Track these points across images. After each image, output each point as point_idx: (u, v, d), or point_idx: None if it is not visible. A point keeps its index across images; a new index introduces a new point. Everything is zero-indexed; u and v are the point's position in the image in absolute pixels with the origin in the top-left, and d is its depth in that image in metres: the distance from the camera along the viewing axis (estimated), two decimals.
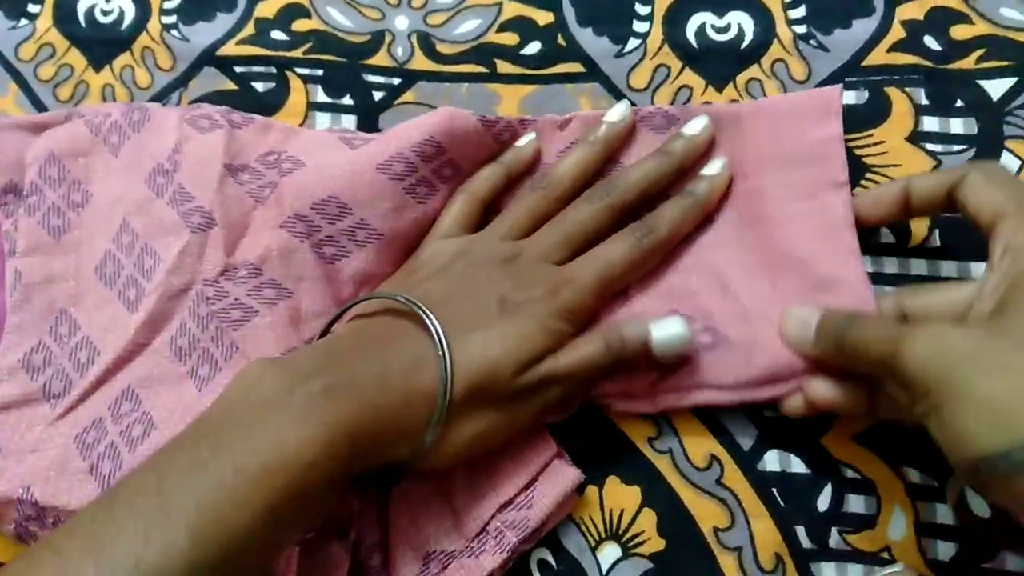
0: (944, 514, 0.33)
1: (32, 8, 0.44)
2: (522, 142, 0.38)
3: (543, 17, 0.42)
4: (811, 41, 0.39)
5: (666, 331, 0.32)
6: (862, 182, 0.37)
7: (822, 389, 0.31)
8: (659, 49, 0.40)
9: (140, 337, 0.36)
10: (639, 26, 0.41)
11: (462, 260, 0.34)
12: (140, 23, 0.43)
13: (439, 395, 0.29)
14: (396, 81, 0.41)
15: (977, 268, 0.35)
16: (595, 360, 0.32)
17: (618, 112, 0.37)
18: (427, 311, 0.31)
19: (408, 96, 0.41)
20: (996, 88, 0.37)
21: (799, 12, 0.40)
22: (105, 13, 0.44)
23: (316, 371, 0.28)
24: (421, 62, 0.41)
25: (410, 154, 0.35)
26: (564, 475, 0.33)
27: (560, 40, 0.41)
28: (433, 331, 0.30)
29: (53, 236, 0.38)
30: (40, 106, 0.42)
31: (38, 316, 0.36)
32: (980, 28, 0.38)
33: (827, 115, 0.35)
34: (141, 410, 0.34)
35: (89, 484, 0.33)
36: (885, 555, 0.32)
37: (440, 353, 0.30)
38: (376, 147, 0.36)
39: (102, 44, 0.43)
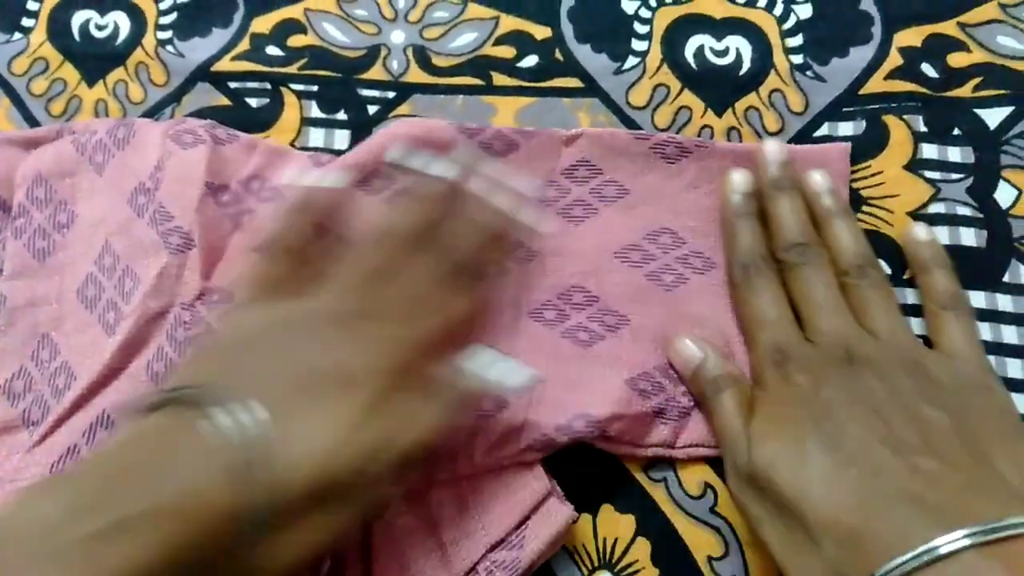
0: None
1: (26, 22, 0.43)
2: (327, 181, 0.33)
3: (541, 32, 0.41)
4: (808, 72, 0.39)
5: (509, 377, 0.29)
6: (860, 215, 0.37)
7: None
8: (658, 68, 0.40)
9: (116, 361, 0.35)
10: (638, 44, 0.41)
11: (276, 327, 0.28)
12: (135, 38, 0.42)
13: (253, 509, 0.23)
14: (391, 95, 0.40)
15: (976, 297, 0.35)
16: (442, 426, 0.28)
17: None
18: (228, 403, 0.24)
19: (403, 109, 0.40)
20: (993, 117, 0.37)
21: (796, 40, 0.40)
22: (100, 28, 0.43)
23: (87, 508, 0.22)
24: (416, 75, 0.41)
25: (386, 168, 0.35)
26: (557, 514, 0.32)
27: (558, 55, 0.41)
28: (232, 430, 0.23)
29: (38, 259, 0.37)
30: (32, 121, 0.41)
31: (21, 341, 0.36)
32: (977, 56, 0.39)
33: (835, 178, 0.36)
34: None
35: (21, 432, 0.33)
36: None
37: (246, 457, 0.23)
38: (352, 159, 0.36)
39: (96, 59, 0.42)
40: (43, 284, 0.37)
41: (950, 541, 0.24)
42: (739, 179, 0.35)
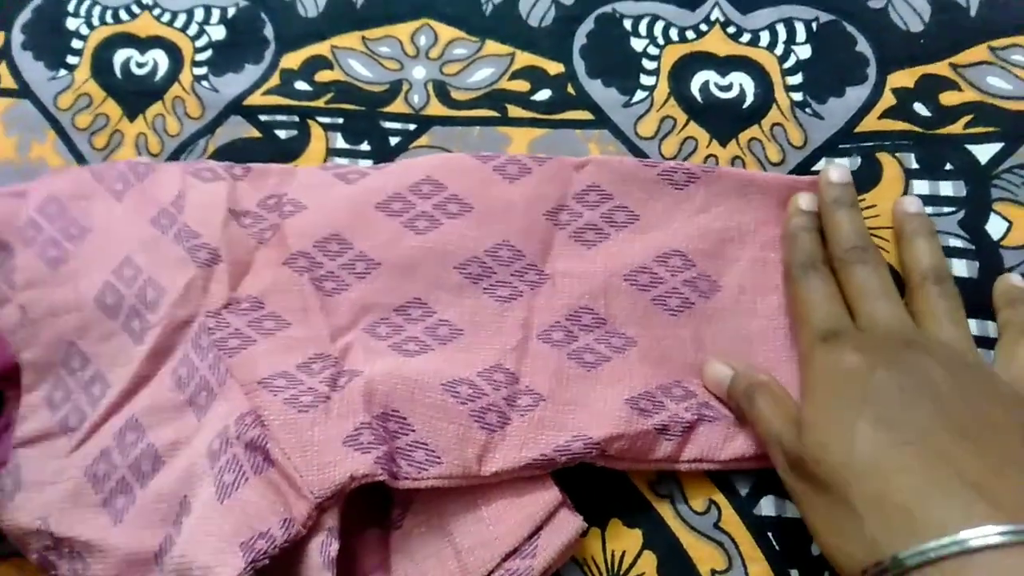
0: None
1: (71, 59, 0.46)
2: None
3: (554, 67, 0.44)
4: (807, 109, 0.41)
5: None
6: None
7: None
8: (665, 102, 0.42)
9: (145, 369, 0.36)
10: (646, 79, 0.43)
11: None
12: (172, 75, 0.45)
13: None
14: (412, 127, 0.43)
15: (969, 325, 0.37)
16: None
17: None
18: None
19: (423, 140, 0.42)
20: (983, 152, 0.39)
21: (796, 79, 0.42)
22: (140, 65, 0.45)
23: None
24: (436, 108, 0.43)
25: (407, 193, 0.38)
26: (569, 524, 0.33)
27: (570, 89, 0.43)
28: None
29: (50, 267, 0.38)
30: (76, 153, 0.43)
31: (49, 351, 0.37)
32: (968, 95, 0.40)
33: None
34: (146, 441, 0.35)
35: (102, 517, 0.34)
36: None
37: None
38: (374, 184, 0.38)
39: (136, 95, 0.44)
40: (59, 292, 0.38)
41: (1006, 532, 0.24)
42: (805, 199, 0.37)
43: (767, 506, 0.35)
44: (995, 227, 0.38)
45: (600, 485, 0.36)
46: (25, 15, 0.47)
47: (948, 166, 0.39)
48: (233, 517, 0.31)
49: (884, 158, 0.40)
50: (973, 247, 0.38)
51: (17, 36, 0.47)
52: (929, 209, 0.39)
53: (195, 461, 0.33)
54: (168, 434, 0.35)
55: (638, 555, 0.35)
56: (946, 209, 0.39)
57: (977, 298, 0.37)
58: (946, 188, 0.39)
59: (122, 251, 0.38)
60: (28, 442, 0.36)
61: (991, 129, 0.40)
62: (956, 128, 0.40)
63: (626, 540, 0.35)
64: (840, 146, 0.40)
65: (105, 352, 0.37)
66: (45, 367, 0.37)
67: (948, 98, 0.41)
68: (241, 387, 0.35)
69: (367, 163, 0.42)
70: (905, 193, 0.39)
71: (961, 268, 0.38)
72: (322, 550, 0.31)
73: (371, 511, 0.34)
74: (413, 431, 0.33)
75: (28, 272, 0.38)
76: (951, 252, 0.38)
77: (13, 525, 0.34)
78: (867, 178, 0.39)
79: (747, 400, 0.34)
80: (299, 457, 0.32)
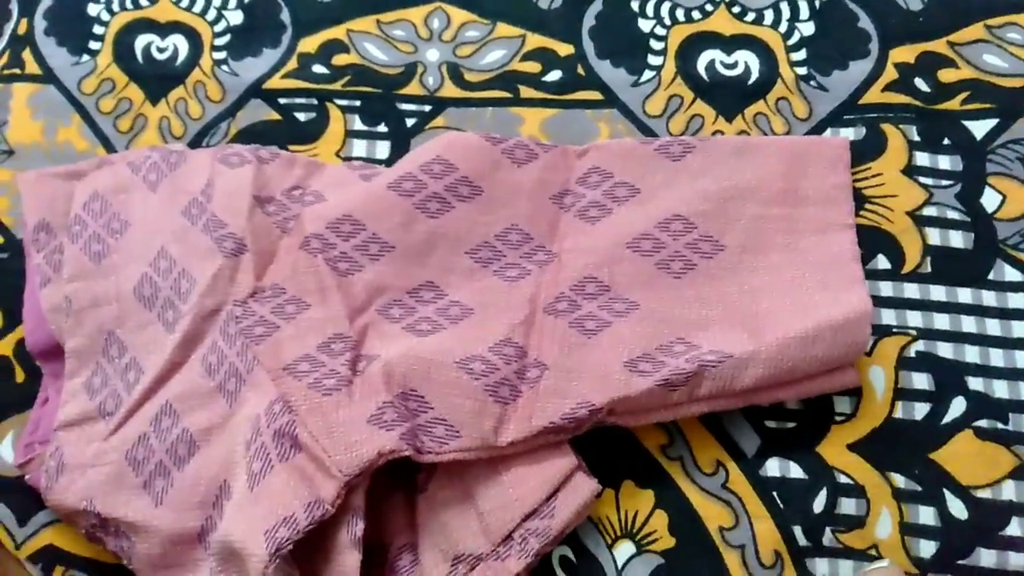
0: (926, 515, 0.36)
1: (93, 45, 0.47)
2: None
3: (564, 49, 0.45)
4: (811, 82, 0.43)
5: None
6: (862, 212, 0.40)
7: None
8: (672, 80, 0.44)
9: (176, 356, 0.38)
10: (653, 59, 0.44)
11: None
12: (193, 59, 0.46)
13: None
14: (427, 108, 0.44)
15: (964, 293, 0.39)
16: None
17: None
18: None
19: (438, 121, 0.44)
20: (979, 128, 0.41)
21: (800, 55, 0.43)
22: (161, 50, 0.46)
23: None
24: (450, 90, 0.44)
25: (418, 172, 0.39)
26: (584, 487, 0.35)
27: (580, 70, 0.44)
28: None
29: (94, 261, 0.40)
30: (101, 135, 0.45)
31: (91, 340, 0.39)
32: (965, 72, 0.42)
33: (837, 164, 0.39)
34: (180, 426, 0.36)
35: (144, 498, 0.35)
36: (873, 552, 0.36)
37: None
38: (389, 172, 0.40)
39: (158, 79, 0.46)
40: (101, 285, 0.40)
41: None
42: None
43: (772, 467, 0.37)
44: (990, 200, 0.40)
45: (613, 449, 0.38)
46: (46, 2, 0.48)
47: (946, 141, 0.41)
48: (261, 504, 0.33)
49: (888, 129, 0.41)
50: (969, 219, 0.40)
51: (40, 23, 0.48)
52: (930, 181, 0.40)
53: (234, 448, 0.35)
54: (201, 419, 0.36)
55: (650, 514, 0.37)
56: (944, 182, 0.40)
57: (972, 268, 0.39)
58: (944, 162, 0.40)
59: (157, 243, 0.40)
60: (68, 425, 0.37)
61: (987, 105, 0.41)
62: (953, 104, 0.41)
63: (639, 500, 0.37)
64: (845, 116, 0.42)
65: (141, 341, 0.39)
66: (87, 355, 0.39)
67: (946, 75, 0.42)
68: (268, 373, 0.36)
69: (384, 144, 0.43)
70: (910, 162, 0.41)
71: (957, 239, 0.39)
72: (349, 529, 0.33)
73: (398, 476, 0.36)
74: (432, 408, 0.35)
75: (74, 265, 0.40)
76: (948, 224, 0.39)
77: (61, 504, 0.36)
78: (872, 147, 0.41)
79: None
80: (326, 439, 0.34)
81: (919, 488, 0.36)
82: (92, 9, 0.48)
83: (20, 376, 0.41)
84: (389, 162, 0.43)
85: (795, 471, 0.37)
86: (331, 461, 0.33)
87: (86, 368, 0.39)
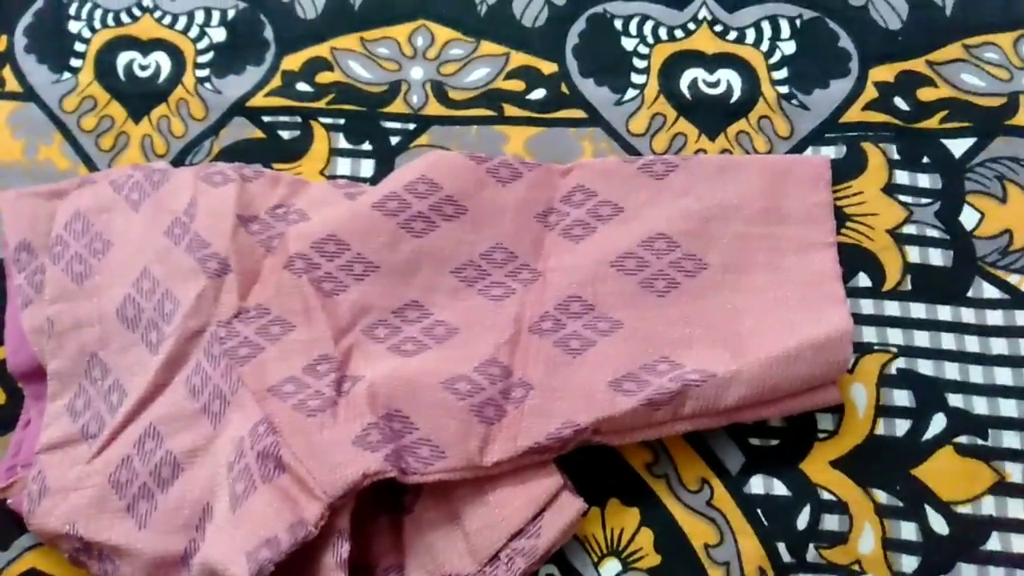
0: (908, 531, 0.37)
1: (75, 62, 0.46)
2: None
3: (548, 67, 0.45)
4: (793, 101, 0.43)
5: None
6: (843, 230, 0.40)
7: None
8: (655, 99, 0.44)
9: (160, 378, 0.37)
10: (637, 78, 0.44)
11: None
12: (176, 77, 0.46)
13: None
14: (411, 126, 0.44)
15: (943, 310, 0.39)
16: None
17: None
18: None
19: (423, 139, 0.44)
20: (958, 147, 0.41)
21: (782, 73, 0.44)
22: (143, 67, 0.46)
23: None
24: (435, 108, 0.44)
25: (403, 192, 0.39)
26: (570, 506, 0.35)
27: (564, 88, 0.44)
28: None
29: (76, 282, 0.39)
30: (83, 154, 0.44)
31: (72, 361, 0.38)
32: (943, 91, 0.42)
33: (819, 183, 0.40)
34: (164, 448, 0.36)
35: (128, 521, 0.35)
36: (856, 567, 0.36)
37: None
38: (373, 191, 0.39)
39: (140, 97, 0.45)
40: (84, 306, 0.39)
41: None
42: None
43: (756, 484, 0.37)
44: (968, 218, 0.40)
45: (599, 467, 0.38)
46: (26, 19, 0.48)
47: (925, 159, 0.41)
48: (243, 526, 0.33)
49: (868, 147, 0.42)
50: (948, 237, 0.40)
51: (20, 40, 0.47)
52: (910, 199, 0.41)
53: (217, 471, 0.35)
54: (185, 441, 0.36)
55: (636, 532, 0.37)
56: (923, 200, 0.41)
57: (952, 286, 0.39)
58: (923, 180, 0.41)
59: (140, 263, 0.40)
60: (51, 448, 0.37)
61: (965, 124, 0.42)
62: (932, 123, 0.42)
63: (624, 518, 0.37)
64: (826, 135, 0.42)
65: (124, 363, 0.38)
66: (69, 377, 0.38)
67: (925, 94, 0.42)
68: (253, 395, 0.36)
69: (369, 163, 0.43)
70: (890, 181, 0.41)
71: (937, 257, 0.40)
72: (334, 551, 0.33)
73: (383, 497, 0.36)
74: (417, 429, 0.35)
75: (56, 287, 0.39)
76: (928, 242, 0.40)
77: (43, 528, 0.36)
78: (853, 166, 0.41)
79: None
80: (311, 460, 0.34)
81: (901, 504, 0.37)
82: (73, 26, 0.47)
83: (1, 398, 0.40)
84: (374, 180, 0.43)
85: (779, 488, 0.37)
86: (315, 482, 0.33)
87: (69, 390, 0.38)
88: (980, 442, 0.37)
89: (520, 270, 0.40)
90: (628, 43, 0.45)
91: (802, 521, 0.37)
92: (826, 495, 0.37)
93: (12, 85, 0.46)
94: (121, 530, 0.35)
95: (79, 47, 0.47)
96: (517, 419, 0.36)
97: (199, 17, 0.47)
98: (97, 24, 0.48)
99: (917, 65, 0.43)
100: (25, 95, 0.46)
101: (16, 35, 0.47)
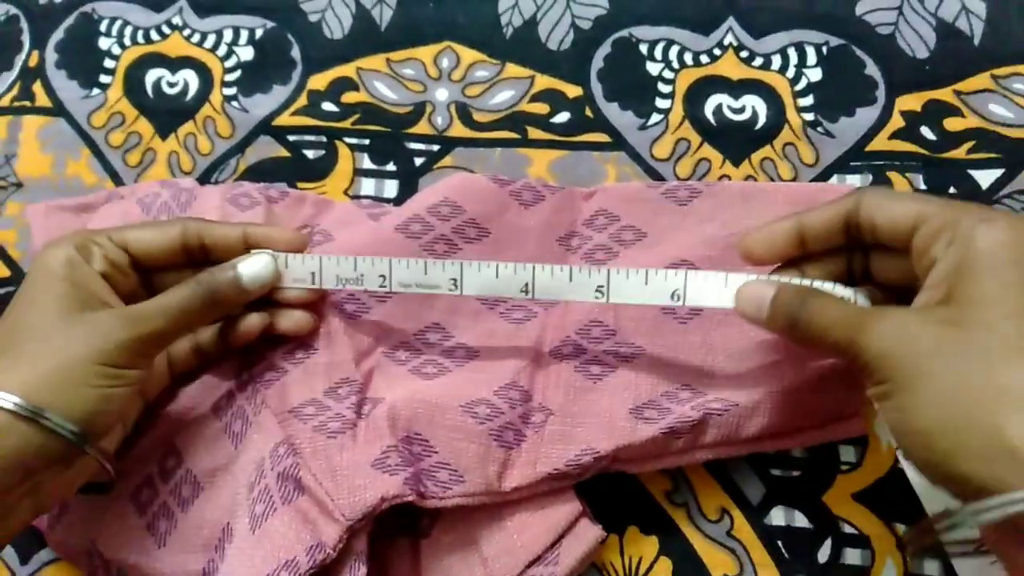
0: (930, 566, 0.36)
1: (104, 79, 0.47)
2: None
3: (573, 90, 0.45)
4: (818, 128, 0.43)
5: (253, 267, 0.34)
6: None
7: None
8: (680, 124, 0.44)
9: (190, 401, 0.38)
10: (661, 103, 0.44)
11: None
12: (203, 95, 0.46)
13: None
14: (435, 148, 0.44)
15: None
16: (188, 300, 0.33)
17: None
18: None
19: (446, 161, 0.44)
20: (985, 178, 0.41)
21: (807, 100, 0.44)
22: (171, 85, 0.47)
23: None
24: (459, 130, 0.45)
25: (425, 214, 0.39)
26: (588, 533, 0.35)
27: (588, 112, 0.45)
28: None
29: None
30: (110, 169, 0.45)
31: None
32: (971, 122, 0.42)
33: None
34: (185, 467, 0.36)
35: (147, 540, 0.35)
36: None
37: None
38: (396, 212, 0.40)
39: (168, 113, 0.46)
40: None
41: None
42: None
43: (777, 516, 0.37)
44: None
45: (618, 494, 0.38)
46: (58, 34, 0.49)
47: (952, 189, 0.41)
48: (263, 547, 0.33)
49: (895, 177, 0.42)
50: None
51: (51, 55, 0.48)
52: None
53: (237, 491, 0.35)
54: (206, 461, 0.36)
55: (654, 561, 0.37)
56: None
57: None
58: None
59: None
60: None
61: (992, 155, 0.41)
62: (959, 153, 0.42)
63: (643, 547, 0.37)
64: (852, 163, 0.42)
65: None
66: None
67: (952, 124, 0.42)
68: (275, 416, 0.36)
69: (392, 183, 0.44)
70: None
71: None
72: (351, 573, 0.33)
73: (401, 520, 0.36)
74: (436, 452, 0.35)
75: None
76: None
77: (63, 544, 0.36)
78: None
79: (799, 300, 0.30)
80: (330, 482, 0.34)
81: None
82: (103, 43, 0.48)
83: None
84: (397, 201, 0.43)
85: (800, 520, 0.37)
86: (334, 505, 0.33)
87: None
88: None
89: None
90: (653, 68, 0.45)
91: (823, 554, 0.36)
92: (848, 528, 0.37)
93: (42, 100, 0.47)
94: (140, 548, 0.35)
95: (109, 64, 0.48)
96: (536, 444, 0.36)
97: (227, 36, 0.48)
98: (127, 41, 0.48)
99: (944, 95, 0.43)
100: (55, 110, 0.47)
101: (47, 50, 0.48)
